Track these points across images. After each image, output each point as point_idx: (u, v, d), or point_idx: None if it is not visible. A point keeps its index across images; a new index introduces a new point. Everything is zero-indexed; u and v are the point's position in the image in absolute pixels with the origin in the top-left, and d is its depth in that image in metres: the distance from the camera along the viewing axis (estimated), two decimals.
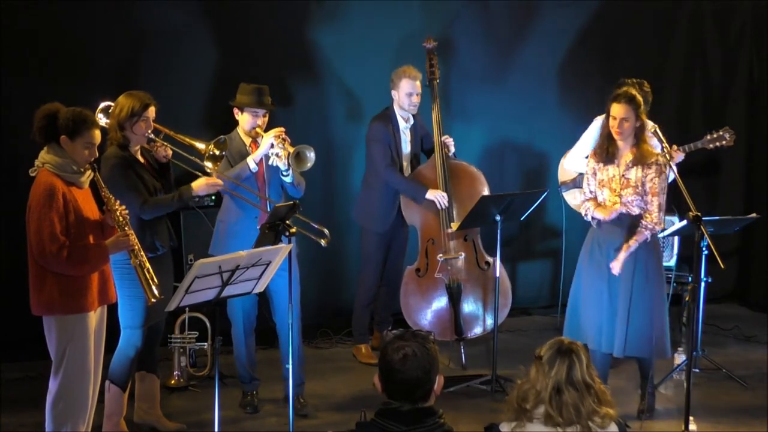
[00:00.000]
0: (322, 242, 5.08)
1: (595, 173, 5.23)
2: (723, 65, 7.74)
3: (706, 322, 6.57)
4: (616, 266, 5.09)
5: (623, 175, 5.11)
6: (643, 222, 5.07)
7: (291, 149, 5.19)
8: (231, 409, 5.45)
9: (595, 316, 5.20)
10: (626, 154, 5.12)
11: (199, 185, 4.95)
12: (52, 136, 4.31)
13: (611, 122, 5.10)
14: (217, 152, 4.92)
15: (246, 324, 5.46)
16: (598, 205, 5.18)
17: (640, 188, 5.07)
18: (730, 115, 6.54)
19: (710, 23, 7.70)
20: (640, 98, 5.11)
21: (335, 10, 6.91)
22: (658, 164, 5.07)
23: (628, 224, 5.11)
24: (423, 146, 6.40)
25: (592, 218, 5.23)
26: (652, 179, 5.06)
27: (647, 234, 5.07)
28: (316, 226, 5.06)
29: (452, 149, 6.21)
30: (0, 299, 6.03)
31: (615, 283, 5.14)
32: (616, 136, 5.10)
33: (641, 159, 5.07)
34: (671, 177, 5.94)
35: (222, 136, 5.08)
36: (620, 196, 5.11)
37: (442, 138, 6.17)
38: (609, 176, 5.15)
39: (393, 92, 6.17)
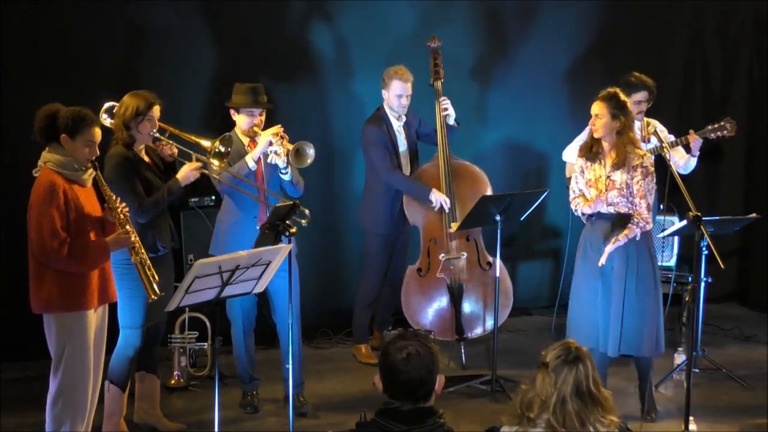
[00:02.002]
0: (303, 222, 5.02)
1: (582, 171, 5.27)
2: (723, 65, 7.74)
3: (706, 322, 6.57)
4: (602, 258, 5.12)
5: (608, 177, 5.15)
6: (634, 219, 5.10)
7: (290, 146, 5.19)
8: (231, 409, 5.45)
9: (591, 314, 5.22)
10: (611, 155, 5.15)
11: (183, 173, 4.94)
12: (52, 135, 4.33)
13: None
14: (223, 149, 4.93)
15: (245, 324, 5.46)
16: (587, 200, 5.23)
17: (625, 190, 5.11)
18: (730, 115, 6.53)
19: (710, 23, 7.70)
20: (622, 99, 5.15)
21: (335, 9, 6.91)
22: (643, 167, 5.11)
23: (618, 221, 5.14)
24: (419, 136, 6.39)
25: (582, 213, 5.28)
26: (638, 182, 5.10)
27: (636, 231, 5.09)
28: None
29: (452, 115, 6.17)
30: (0, 299, 6.02)
31: (608, 281, 5.16)
32: (593, 132, 5.17)
33: (625, 162, 5.11)
34: (692, 164, 6.05)
35: (227, 133, 5.09)
36: (606, 197, 5.15)
37: (441, 102, 6.14)
38: (596, 176, 5.20)
39: (383, 92, 6.16)
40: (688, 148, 6.09)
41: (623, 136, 5.12)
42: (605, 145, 5.17)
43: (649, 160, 5.19)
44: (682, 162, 6.11)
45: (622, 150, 5.11)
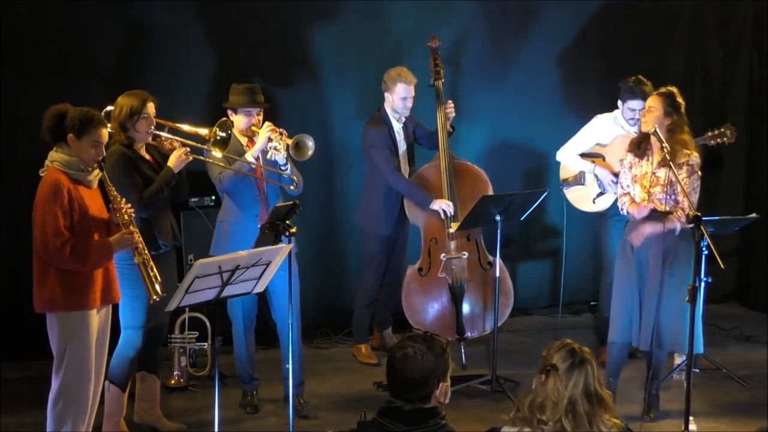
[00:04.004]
0: (292, 187, 5.22)
1: (631, 167, 5.29)
2: (723, 65, 7.74)
3: (706, 322, 6.56)
4: (636, 239, 5.14)
5: (654, 173, 5.16)
6: (676, 213, 5.10)
7: (289, 140, 5.20)
8: (231, 409, 5.45)
9: (622, 307, 5.27)
10: (659, 152, 5.15)
11: (174, 161, 4.91)
12: (60, 135, 4.34)
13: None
14: (223, 134, 4.92)
15: (246, 323, 5.46)
16: (633, 201, 5.24)
17: (669, 188, 5.10)
18: (731, 116, 6.55)
19: (710, 23, 7.70)
20: (679, 100, 5.16)
21: (334, 9, 6.90)
22: (689, 164, 5.13)
23: (658, 219, 5.14)
24: (416, 138, 6.39)
25: (627, 213, 5.29)
26: (683, 179, 5.10)
27: (677, 224, 5.07)
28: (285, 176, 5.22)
29: (451, 116, 6.19)
30: (0, 299, 6.02)
31: (643, 275, 5.19)
32: (642, 126, 5.20)
33: (672, 158, 5.10)
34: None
35: (225, 118, 5.09)
36: (649, 193, 5.16)
37: (446, 108, 6.16)
38: (642, 172, 5.22)
39: (386, 94, 6.16)
40: None
41: (675, 135, 5.12)
42: (654, 140, 5.16)
43: (696, 159, 5.18)
44: None
45: (672, 148, 5.10)
